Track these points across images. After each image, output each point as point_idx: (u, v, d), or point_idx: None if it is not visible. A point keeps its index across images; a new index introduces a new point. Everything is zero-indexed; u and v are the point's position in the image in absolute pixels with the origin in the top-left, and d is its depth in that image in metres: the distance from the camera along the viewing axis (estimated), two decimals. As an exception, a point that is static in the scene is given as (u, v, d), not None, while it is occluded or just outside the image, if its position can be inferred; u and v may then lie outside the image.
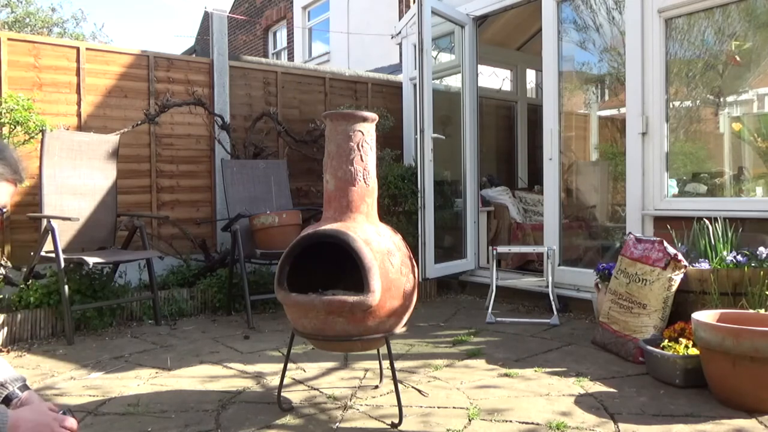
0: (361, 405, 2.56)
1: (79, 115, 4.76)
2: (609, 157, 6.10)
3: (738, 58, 4.06)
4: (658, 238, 3.28)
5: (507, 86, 7.55)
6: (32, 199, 4.34)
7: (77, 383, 2.89)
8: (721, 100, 4.44)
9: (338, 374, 2.98)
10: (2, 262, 4.17)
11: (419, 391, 2.70)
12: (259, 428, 2.32)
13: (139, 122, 4.83)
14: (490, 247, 4.49)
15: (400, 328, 2.46)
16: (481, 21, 5.41)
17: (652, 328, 3.09)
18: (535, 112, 7.01)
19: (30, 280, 3.92)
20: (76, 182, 4.14)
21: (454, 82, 5.52)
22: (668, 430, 2.24)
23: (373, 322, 2.31)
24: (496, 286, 4.35)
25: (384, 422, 2.37)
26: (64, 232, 3.92)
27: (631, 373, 2.91)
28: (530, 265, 5.55)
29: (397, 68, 7.44)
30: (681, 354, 2.70)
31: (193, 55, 9.72)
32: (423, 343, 3.57)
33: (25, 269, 4.04)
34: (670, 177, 3.99)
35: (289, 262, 2.39)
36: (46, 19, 18.33)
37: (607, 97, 6.53)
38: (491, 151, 7.19)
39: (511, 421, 2.35)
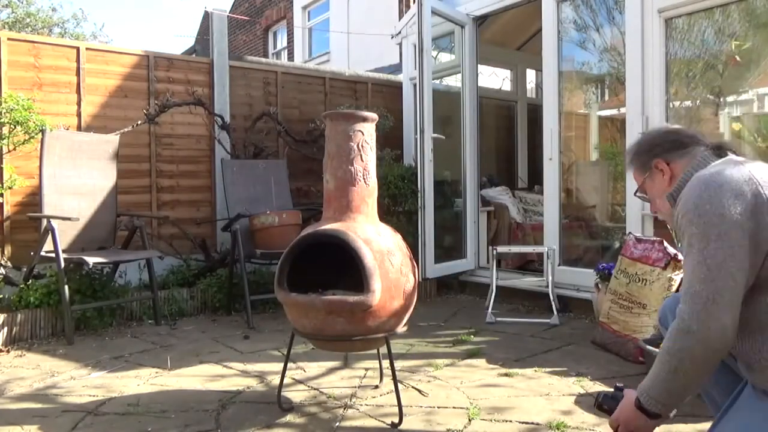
0: (362, 404, 2.56)
1: (79, 115, 4.76)
2: (609, 157, 6.09)
3: (738, 58, 4.06)
4: (658, 238, 3.28)
5: (507, 86, 7.55)
6: (32, 199, 4.34)
7: (77, 383, 2.89)
8: (721, 100, 4.43)
9: (339, 374, 2.99)
10: (2, 262, 4.17)
11: (419, 390, 2.71)
12: (259, 428, 2.32)
13: (139, 122, 4.83)
14: (490, 247, 4.49)
15: (400, 328, 2.46)
16: (481, 21, 5.41)
17: (653, 328, 3.09)
18: (535, 112, 6.99)
19: (30, 280, 3.92)
20: (77, 182, 4.14)
21: (454, 82, 5.52)
22: (668, 429, 2.23)
23: (374, 322, 2.31)
24: (496, 286, 4.34)
25: (384, 422, 2.37)
26: (64, 232, 3.92)
27: (631, 373, 2.91)
28: (530, 265, 5.55)
29: (397, 68, 7.44)
30: (681, 354, 2.70)
31: (193, 55, 9.72)
32: (423, 342, 3.57)
33: (25, 269, 4.04)
34: (670, 177, 3.98)
35: (289, 262, 2.39)
36: (47, 19, 18.30)
37: (607, 97, 6.53)
38: (491, 151, 7.18)
39: (511, 421, 2.35)
